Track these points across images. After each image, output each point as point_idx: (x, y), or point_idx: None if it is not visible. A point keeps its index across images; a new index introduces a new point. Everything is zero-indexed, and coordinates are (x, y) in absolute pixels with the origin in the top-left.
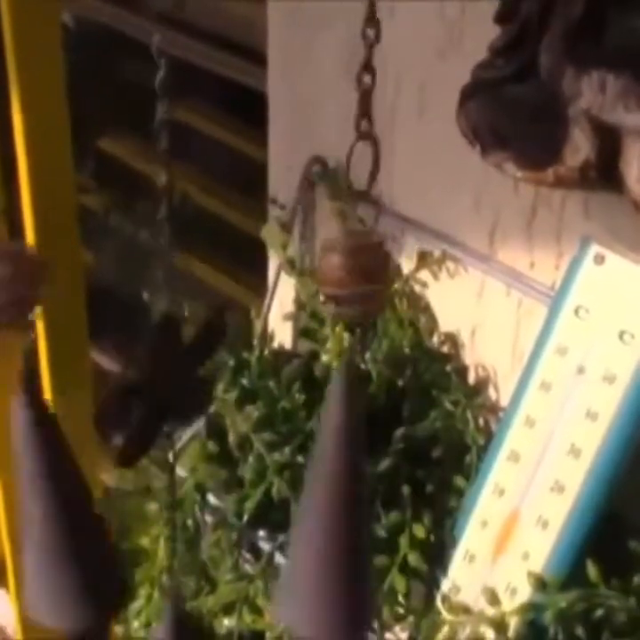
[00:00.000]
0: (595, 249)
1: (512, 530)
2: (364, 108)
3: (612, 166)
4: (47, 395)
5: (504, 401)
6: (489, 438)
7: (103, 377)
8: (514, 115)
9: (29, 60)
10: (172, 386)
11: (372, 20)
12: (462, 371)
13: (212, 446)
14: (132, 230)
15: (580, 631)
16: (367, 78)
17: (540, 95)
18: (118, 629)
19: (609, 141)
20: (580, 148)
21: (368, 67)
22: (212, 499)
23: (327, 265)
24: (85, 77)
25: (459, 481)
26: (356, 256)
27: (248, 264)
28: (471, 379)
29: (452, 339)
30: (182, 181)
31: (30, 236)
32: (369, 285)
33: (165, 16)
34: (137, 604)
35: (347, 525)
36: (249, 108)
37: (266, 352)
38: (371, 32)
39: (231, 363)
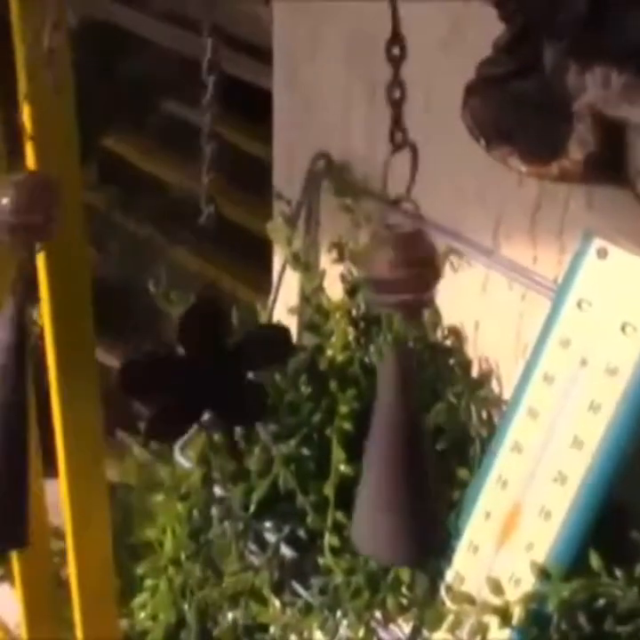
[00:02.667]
0: (597, 242)
1: (515, 521)
2: (397, 120)
3: (616, 161)
4: (53, 391)
5: (507, 393)
6: (492, 430)
7: (108, 372)
8: (518, 110)
9: (36, 59)
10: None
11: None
12: (466, 364)
13: (218, 438)
14: (135, 227)
15: (582, 620)
16: (397, 93)
17: (545, 90)
18: (124, 622)
19: (613, 136)
20: (584, 142)
21: (397, 82)
22: (218, 490)
23: (380, 256)
24: (89, 76)
25: (462, 473)
26: (407, 245)
27: (253, 258)
28: (475, 372)
29: (455, 332)
30: (187, 177)
31: None
32: (419, 270)
33: (171, 14)
34: (143, 597)
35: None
36: (254, 104)
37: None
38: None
39: None
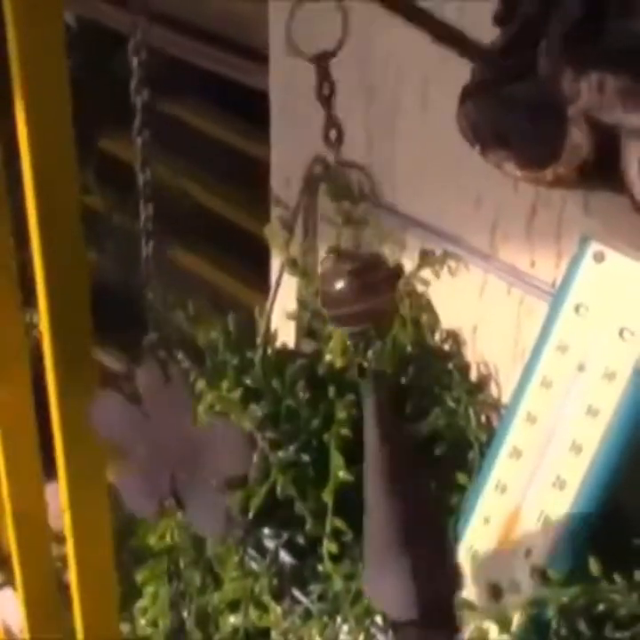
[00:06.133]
0: (594, 246)
1: (514, 526)
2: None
3: (610, 166)
4: (52, 394)
5: (506, 398)
6: (491, 435)
7: (107, 376)
8: (513, 114)
9: (33, 61)
10: None
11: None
12: (464, 368)
13: None
14: (135, 230)
15: (582, 626)
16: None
17: (540, 95)
18: (125, 627)
19: (608, 141)
20: (578, 147)
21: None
22: None
23: (330, 288)
24: (87, 77)
25: (461, 478)
26: (359, 276)
27: (251, 263)
28: (473, 376)
29: (453, 336)
30: (186, 181)
31: (34, 238)
32: (372, 301)
33: (168, 16)
34: (143, 603)
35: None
36: (252, 108)
37: (269, 351)
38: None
39: (235, 362)
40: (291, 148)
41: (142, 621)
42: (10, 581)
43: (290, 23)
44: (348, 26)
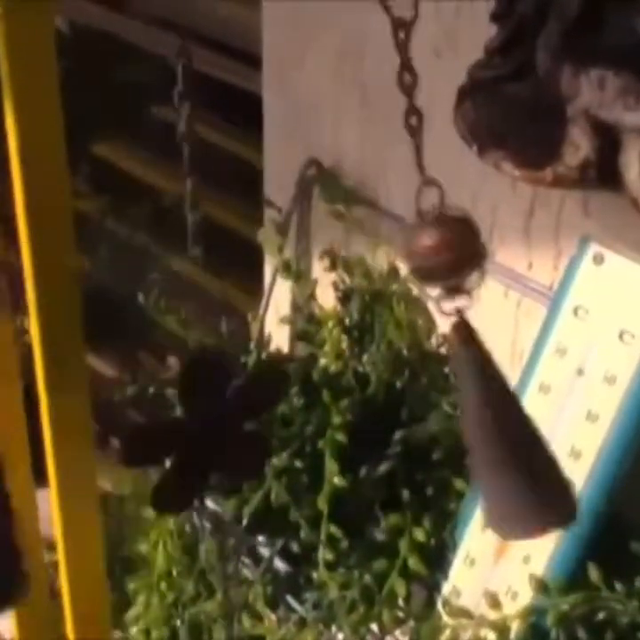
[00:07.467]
0: (594, 248)
1: None
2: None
3: (611, 165)
4: (43, 400)
5: None
6: None
7: (100, 381)
8: (511, 114)
9: (23, 65)
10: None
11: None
12: None
13: None
14: (127, 234)
15: (581, 634)
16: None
17: (538, 94)
18: (117, 635)
19: (608, 140)
20: (578, 146)
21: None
22: (210, 504)
23: (416, 239)
24: (80, 82)
25: (458, 483)
26: (444, 227)
27: (244, 267)
28: None
29: (450, 340)
30: (177, 184)
31: (24, 243)
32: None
33: (161, 20)
34: (135, 611)
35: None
36: (245, 111)
37: (263, 356)
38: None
39: None
40: (284, 151)
41: (134, 629)
42: None
43: None
44: None
